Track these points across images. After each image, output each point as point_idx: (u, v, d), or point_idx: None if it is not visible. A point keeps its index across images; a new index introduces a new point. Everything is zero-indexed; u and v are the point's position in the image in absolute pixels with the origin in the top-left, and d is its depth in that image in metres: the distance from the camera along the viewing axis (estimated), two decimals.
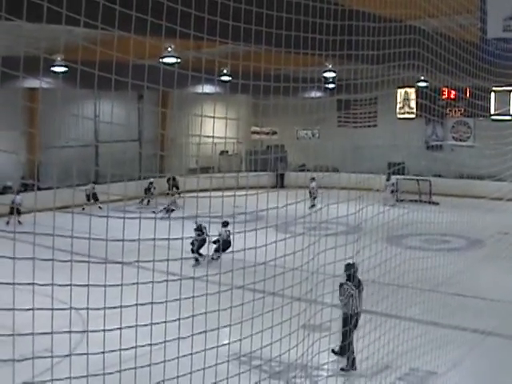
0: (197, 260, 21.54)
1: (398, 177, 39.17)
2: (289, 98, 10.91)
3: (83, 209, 30.11)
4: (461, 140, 42.52)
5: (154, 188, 37.03)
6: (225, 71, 33.90)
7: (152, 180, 37.34)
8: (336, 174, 36.84)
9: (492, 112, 38.11)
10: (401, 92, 42.33)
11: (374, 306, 13.17)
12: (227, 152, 43.88)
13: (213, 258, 21.10)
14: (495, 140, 18.48)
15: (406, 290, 13.36)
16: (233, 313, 7.99)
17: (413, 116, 42.12)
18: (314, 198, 31.88)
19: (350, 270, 13.21)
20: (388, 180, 37.93)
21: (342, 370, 12.87)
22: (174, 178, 36.97)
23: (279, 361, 10.90)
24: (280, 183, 40.92)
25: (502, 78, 15.45)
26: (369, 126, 42.45)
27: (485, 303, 16.68)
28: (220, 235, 21.45)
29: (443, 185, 37.05)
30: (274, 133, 45.33)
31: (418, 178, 38.77)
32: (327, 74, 34.80)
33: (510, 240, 21.26)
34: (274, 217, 9.03)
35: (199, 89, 27.63)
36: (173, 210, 29.44)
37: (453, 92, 38.10)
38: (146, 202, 37.05)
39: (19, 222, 26.49)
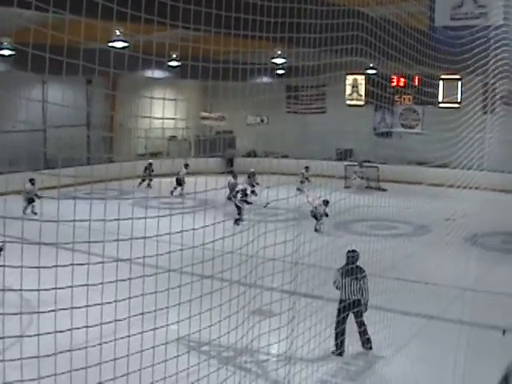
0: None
1: (346, 163, 39.44)
2: (238, 83, 10.90)
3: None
4: (409, 127, 42.86)
5: (153, 170, 36.85)
6: (174, 56, 33.68)
7: (151, 161, 37.28)
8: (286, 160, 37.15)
9: (440, 100, 38.58)
10: (350, 79, 42.55)
11: (317, 290, 13.33)
12: (176, 137, 43.66)
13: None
14: (443, 127, 18.69)
15: None
16: (179, 298, 8.01)
17: (362, 103, 42.38)
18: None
19: (351, 257, 13.36)
20: (361, 167, 38.31)
21: (333, 353, 12.97)
22: (150, 164, 36.97)
23: (227, 346, 10.95)
24: (229, 169, 40.94)
25: (450, 65, 15.61)
26: (318, 113, 42.64)
27: (429, 288, 16.90)
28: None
29: (391, 171, 37.40)
30: (223, 118, 45.18)
31: (366, 164, 39.01)
32: (277, 60, 34.80)
33: (454, 225, 21.52)
34: (223, 202, 9.05)
35: (149, 73, 27.44)
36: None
37: (402, 79, 38.37)
38: (146, 183, 37.06)
39: None
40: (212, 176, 8.48)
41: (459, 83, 37.29)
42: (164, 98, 7.66)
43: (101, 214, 7.17)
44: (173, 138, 43.26)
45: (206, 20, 8.51)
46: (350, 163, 39.46)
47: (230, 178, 29.75)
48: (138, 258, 7.64)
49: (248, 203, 28.07)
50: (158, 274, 8.06)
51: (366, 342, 13.12)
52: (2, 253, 14.91)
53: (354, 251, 13.37)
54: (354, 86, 43.09)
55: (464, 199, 22.43)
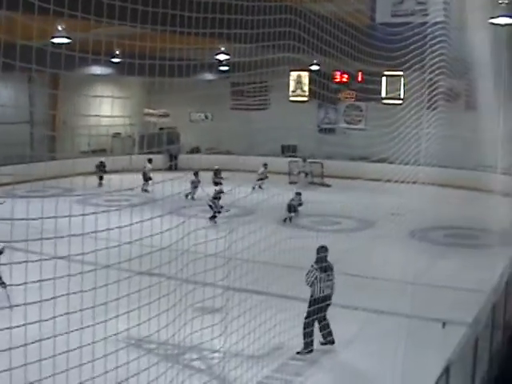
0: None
1: (290, 159, 39.61)
2: (182, 80, 10.86)
3: None
4: (353, 123, 43.21)
5: (105, 168, 36.02)
6: (117, 52, 33.37)
7: (103, 159, 36.53)
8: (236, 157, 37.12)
9: (383, 96, 38.94)
10: (293, 75, 42.67)
11: (266, 288, 13.37)
12: (120, 134, 43.31)
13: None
14: (386, 123, 18.87)
15: (300, 270, 13.51)
16: (117, 294, 7.98)
17: (305, 99, 42.55)
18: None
19: (320, 253, 13.28)
20: (304, 161, 38.41)
21: (298, 353, 12.86)
22: (102, 162, 36.39)
23: (173, 343, 10.92)
24: (174, 166, 40.72)
25: (391, 62, 15.76)
26: (261, 109, 42.68)
27: (374, 282, 17.05)
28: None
29: (335, 167, 37.60)
30: (167, 115, 44.95)
31: (310, 160, 39.16)
32: (220, 57, 34.70)
33: (399, 220, 21.74)
34: (168, 200, 9.01)
35: (91, 70, 27.12)
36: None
37: (345, 76, 38.60)
38: (98, 182, 35.65)
39: None
40: (156, 172, 8.45)
41: (401, 79, 37.68)
42: (109, 96, 7.61)
43: (42, 212, 7.08)
44: (117, 135, 42.87)
45: (152, 17, 8.47)
46: (294, 159, 39.64)
47: (192, 176, 29.69)
48: (77, 254, 7.57)
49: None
50: (98, 272, 8.01)
51: (328, 336, 13.16)
52: (1, 256, 14.84)
53: (324, 247, 13.34)
54: (298, 82, 43.24)
55: (406, 194, 22.68)
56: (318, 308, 12.90)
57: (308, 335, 12.87)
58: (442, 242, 24.01)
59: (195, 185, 30.13)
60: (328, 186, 36.13)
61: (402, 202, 19.96)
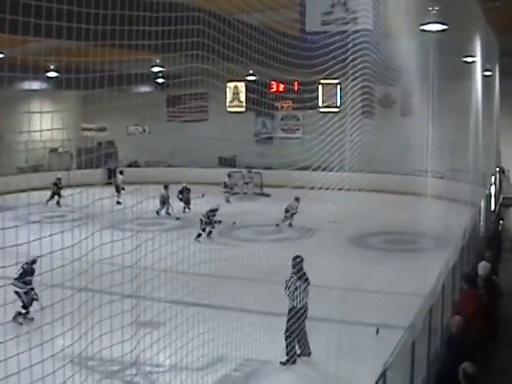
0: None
1: (229, 170, 39.63)
2: (119, 93, 10.79)
3: None
4: (290, 132, 43.44)
5: (61, 185, 34.87)
6: (52, 67, 33.06)
7: (60, 176, 35.36)
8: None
9: (320, 104, 39.20)
10: (230, 86, 42.78)
11: (207, 299, 13.33)
12: (57, 150, 42.87)
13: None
14: (323, 131, 18.98)
15: (240, 281, 13.51)
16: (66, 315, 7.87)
17: (243, 109, 42.67)
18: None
19: (297, 263, 13.34)
20: (249, 172, 38.46)
21: (282, 363, 12.89)
22: (59, 179, 35.49)
23: (114, 360, 10.80)
24: (112, 180, 40.42)
25: (327, 70, 15.87)
26: (199, 120, 42.64)
27: (315, 290, 17.10)
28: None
29: (274, 176, 37.68)
30: (105, 129, 44.66)
31: (244, 171, 39.27)
32: (155, 69, 34.64)
33: (339, 228, 21.88)
34: (107, 214, 8.94)
35: (27, 85, 26.75)
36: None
37: (281, 85, 38.80)
38: (55, 201, 34.44)
39: None
40: (94, 187, 8.36)
41: (338, 87, 38.02)
42: (45, 111, 7.53)
43: None
44: (54, 150, 42.46)
45: (85, 32, 8.40)
46: (234, 170, 39.68)
47: (162, 190, 29.54)
48: None
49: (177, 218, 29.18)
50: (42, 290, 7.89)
51: (305, 347, 13.26)
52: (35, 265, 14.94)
53: (299, 256, 13.55)
54: (235, 92, 43.36)
55: (344, 201, 22.77)
56: (298, 318, 13.01)
57: (290, 346, 12.90)
58: (379, 247, 24.25)
59: (164, 199, 30.10)
60: (267, 195, 36.22)
61: (340, 209, 20.08)
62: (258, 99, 25.23)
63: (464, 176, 23.64)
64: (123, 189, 32.71)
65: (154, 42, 10.15)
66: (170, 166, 39.94)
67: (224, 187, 35.25)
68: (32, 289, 15.54)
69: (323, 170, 20.72)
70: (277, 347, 12.95)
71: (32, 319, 15.42)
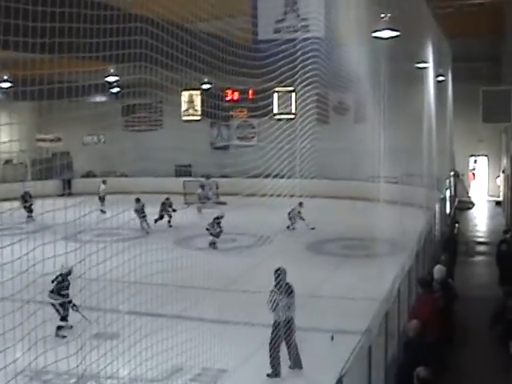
0: None
1: (185, 179, 39.54)
2: (73, 103, 10.73)
3: None
4: (246, 140, 43.51)
5: (31, 197, 33.77)
6: (5, 77, 32.74)
7: (28, 189, 33.98)
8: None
9: (275, 111, 39.36)
10: (185, 94, 42.77)
11: (161, 309, 13.24)
12: (12, 161, 42.46)
13: None
14: (278, 139, 19.01)
15: (196, 290, 13.46)
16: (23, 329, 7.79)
17: (198, 118, 42.72)
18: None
19: (278, 276, 13.14)
20: (208, 179, 38.33)
21: (267, 375, 12.76)
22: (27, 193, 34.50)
23: (70, 373, 10.69)
24: (67, 191, 40.12)
25: (282, 78, 15.91)
26: (154, 130, 42.54)
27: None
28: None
29: (230, 184, 37.64)
30: (59, 139, 44.32)
31: (201, 179, 39.20)
32: (110, 78, 34.47)
33: (296, 235, 21.99)
34: (63, 225, 8.83)
35: None
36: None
37: (236, 94, 38.90)
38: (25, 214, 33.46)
39: None
40: (49, 199, 8.29)
41: (293, 95, 38.19)
42: None
43: None
44: (8, 161, 42.04)
45: (40, 43, 8.34)
46: (190, 179, 39.60)
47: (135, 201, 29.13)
48: None
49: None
50: None
51: (296, 360, 13.05)
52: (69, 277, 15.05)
53: (280, 269, 13.28)
54: (190, 101, 43.39)
55: (300, 208, 22.90)
56: (284, 332, 12.83)
57: (274, 359, 12.79)
58: (336, 253, 24.38)
59: (141, 213, 28.97)
60: (223, 203, 36.17)
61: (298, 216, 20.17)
62: (213, 108, 25.28)
63: (419, 180, 23.86)
64: (104, 199, 32.97)
65: (108, 52, 10.11)
66: (125, 175, 39.76)
67: (199, 198, 35.25)
68: (70, 301, 15.42)
69: (279, 177, 20.80)
70: (234, 356, 12.92)
71: (71, 327, 15.29)
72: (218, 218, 25.27)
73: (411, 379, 9.72)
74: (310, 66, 14.05)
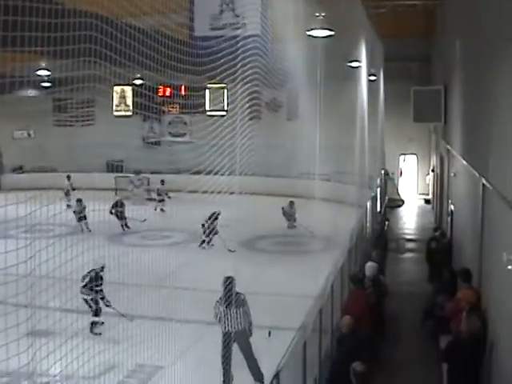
0: None
1: (116, 174, 39.22)
2: (3, 97, 10.54)
3: None
4: (178, 136, 43.37)
5: None
6: None
7: None
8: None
9: (207, 108, 39.37)
10: (117, 90, 42.46)
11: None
12: None
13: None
14: (211, 135, 19.00)
15: (130, 287, 13.38)
16: None
17: (130, 113, 42.45)
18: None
19: (226, 285, 12.77)
20: (138, 174, 37.95)
21: None
22: None
23: (5, 371, 10.51)
24: None
25: (214, 74, 15.91)
26: (86, 125, 42.03)
27: (207, 295, 17.09)
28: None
29: (167, 181, 37.46)
30: None
31: (132, 175, 38.97)
32: (41, 72, 33.95)
33: (230, 231, 21.96)
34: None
35: None
36: None
37: (168, 89, 38.73)
38: None
39: None
40: None
41: (225, 91, 38.24)
42: None
43: None
44: None
45: None
46: (121, 175, 39.31)
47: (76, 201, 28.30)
48: None
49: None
50: None
51: (257, 374, 12.50)
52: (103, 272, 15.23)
53: (229, 277, 12.88)
54: (122, 96, 43.11)
55: (234, 204, 22.83)
56: (230, 343, 12.52)
57: (224, 371, 12.48)
58: (270, 250, 24.49)
59: (79, 213, 27.91)
60: (154, 199, 35.95)
61: (230, 213, 20.10)
62: (145, 103, 25.12)
63: (350, 178, 24.11)
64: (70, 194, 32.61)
65: (40, 48, 9.96)
66: (55, 170, 39.25)
67: (133, 195, 35.21)
68: (102, 297, 15.28)
69: (212, 173, 20.77)
70: (169, 352, 12.87)
71: (102, 323, 15.30)
72: (213, 214, 24.81)
73: (345, 374, 9.86)
74: (247, 63, 14.06)
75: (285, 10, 15.88)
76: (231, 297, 12.72)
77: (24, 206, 8.63)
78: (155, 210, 32.59)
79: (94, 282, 15.17)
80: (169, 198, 33.43)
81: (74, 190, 35.86)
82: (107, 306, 15.21)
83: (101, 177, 37.26)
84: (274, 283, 18.43)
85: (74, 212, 27.47)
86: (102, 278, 15.28)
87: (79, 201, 27.95)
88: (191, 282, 16.80)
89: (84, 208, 27.54)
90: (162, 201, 33.89)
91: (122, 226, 28.61)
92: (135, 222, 26.69)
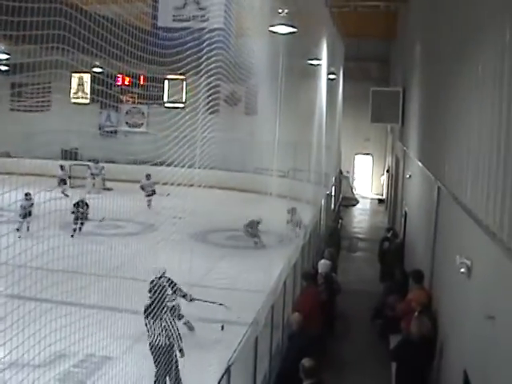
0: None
1: (71, 162, 38.87)
2: None
3: None
4: (134, 126, 43.16)
5: None
6: None
7: None
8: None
9: (166, 99, 39.22)
10: (76, 77, 42.11)
11: (44, 294, 12.97)
12: None
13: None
14: (167, 126, 18.92)
15: (81, 276, 13.24)
16: None
17: (87, 101, 42.11)
18: None
19: (150, 291, 12.29)
20: (97, 163, 37.51)
21: None
22: None
23: None
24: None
25: (174, 66, 15.86)
26: (42, 111, 41.55)
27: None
28: None
29: (117, 170, 37.23)
30: None
31: (90, 163, 38.62)
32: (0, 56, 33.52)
33: (182, 224, 21.87)
34: None
35: None
36: None
37: (127, 79, 38.45)
38: None
39: None
40: None
41: (184, 83, 38.11)
42: None
43: None
44: None
45: None
46: (77, 163, 39.01)
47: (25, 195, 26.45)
48: None
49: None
50: None
51: None
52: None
53: (153, 281, 12.45)
54: (80, 84, 42.77)
55: (187, 197, 22.78)
56: (159, 357, 12.04)
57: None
58: (222, 244, 24.50)
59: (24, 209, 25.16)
60: (109, 189, 35.71)
61: (182, 205, 20.01)
62: (103, 91, 24.87)
63: (306, 176, 24.19)
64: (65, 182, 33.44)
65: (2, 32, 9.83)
66: (9, 156, 38.72)
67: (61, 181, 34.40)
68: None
69: (165, 165, 20.70)
70: (118, 343, 12.79)
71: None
72: (253, 222, 24.42)
73: (295, 370, 9.89)
74: (209, 57, 14.02)
75: (250, 4, 15.86)
76: (156, 305, 12.06)
77: None
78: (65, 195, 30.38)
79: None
80: (110, 189, 33.41)
81: (70, 178, 35.87)
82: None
83: (55, 164, 36.91)
84: (227, 277, 18.42)
85: (21, 206, 24.71)
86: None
87: (28, 195, 23.73)
88: (140, 273, 16.74)
89: (32, 205, 24.71)
90: (150, 195, 30.69)
91: (74, 230, 25.39)
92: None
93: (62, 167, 35.60)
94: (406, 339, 11.84)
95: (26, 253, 10.66)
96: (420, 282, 14.08)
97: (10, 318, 10.10)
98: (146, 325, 12.21)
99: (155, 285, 12.71)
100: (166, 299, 12.50)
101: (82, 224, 25.67)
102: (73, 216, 25.41)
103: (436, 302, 12.92)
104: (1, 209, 22.15)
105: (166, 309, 12.18)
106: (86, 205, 26.40)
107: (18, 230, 23.52)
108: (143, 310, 12.43)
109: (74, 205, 26.18)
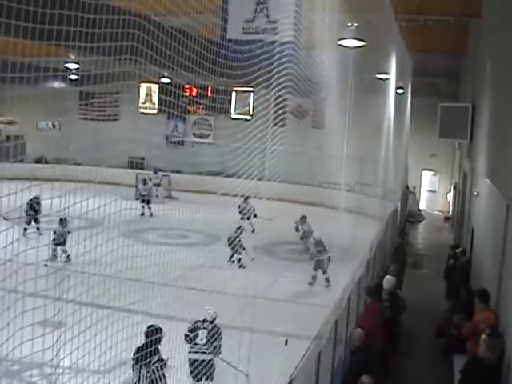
0: None
1: (138, 172, 39.24)
2: (30, 87, 10.51)
3: None
4: (201, 137, 43.42)
5: None
6: None
7: None
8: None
9: (233, 111, 39.36)
10: (144, 87, 42.61)
11: (111, 302, 13.09)
12: None
13: None
14: (234, 138, 18.98)
15: (144, 284, 13.31)
16: None
17: (155, 111, 42.54)
18: None
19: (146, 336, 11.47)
20: (156, 173, 37.76)
21: None
22: None
23: (13, 359, 10.49)
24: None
25: (242, 78, 15.91)
26: (111, 120, 42.13)
27: (221, 296, 17.07)
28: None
29: (183, 180, 37.52)
30: (14, 122, 43.69)
31: (151, 173, 38.93)
32: (70, 65, 34.11)
33: (246, 235, 21.91)
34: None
35: None
36: None
37: (195, 90, 38.74)
38: None
39: None
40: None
41: (251, 96, 38.27)
42: None
43: None
44: None
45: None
46: (142, 171, 39.39)
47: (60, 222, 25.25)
48: None
49: None
50: None
51: None
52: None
53: (151, 326, 11.60)
54: (148, 94, 43.25)
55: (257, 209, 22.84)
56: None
57: None
58: (285, 256, 24.40)
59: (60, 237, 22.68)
60: (175, 199, 35.97)
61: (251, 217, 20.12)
62: (171, 102, 25.07)
63: (372, 190, 24.02)
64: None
65: (73, 43, 9.96)
66: (78, 164, 39.32)
67: (140, 194, 34.48)
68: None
69: (233, 176, 20.75)
70: (179, 352, 12.82)
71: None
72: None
73: None
74: (280, 70, 14.02)
75: (319, 18, 15.84)
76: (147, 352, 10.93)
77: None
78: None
79: None
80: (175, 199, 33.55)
81: (159, 185, 36.34)
82: None
83: (122, 173, 37.28)
84: (289, 290, 18.36)
85: (54, 233, 22.23)
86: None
87: (63, 221, 22.25)
88: (204, 284, 16.78)
89: (68, 232, 22.18)
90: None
91: (24, 228, 24.11)
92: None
93: (144, 181, 34.97)
94: (474, 361, 11.61)
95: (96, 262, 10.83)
96: (486, 302, 13.82)
97: (72, 324, 10.25)
98: (133, 369, 11.18)
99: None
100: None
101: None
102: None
103: (502, 324, 12.65)
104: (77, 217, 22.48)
105: (157, 357, 11.06)
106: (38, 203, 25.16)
107: (53, 257, 21.13)
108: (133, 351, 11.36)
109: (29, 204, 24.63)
